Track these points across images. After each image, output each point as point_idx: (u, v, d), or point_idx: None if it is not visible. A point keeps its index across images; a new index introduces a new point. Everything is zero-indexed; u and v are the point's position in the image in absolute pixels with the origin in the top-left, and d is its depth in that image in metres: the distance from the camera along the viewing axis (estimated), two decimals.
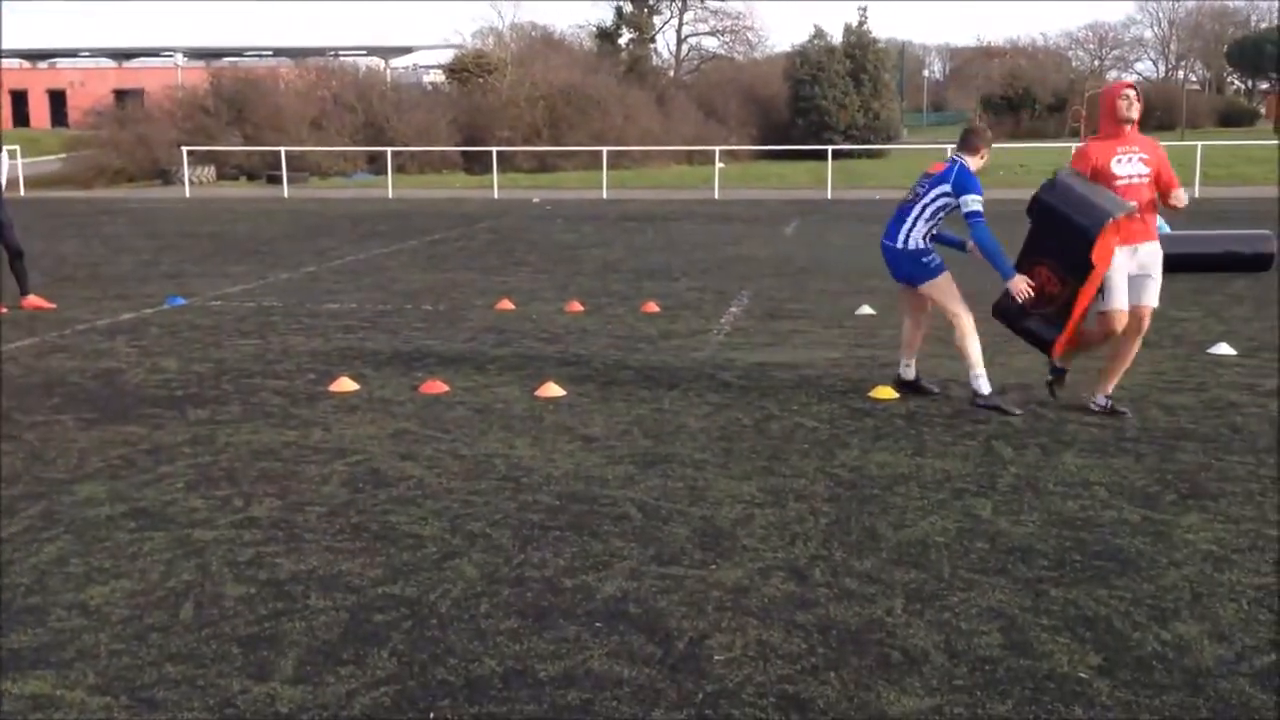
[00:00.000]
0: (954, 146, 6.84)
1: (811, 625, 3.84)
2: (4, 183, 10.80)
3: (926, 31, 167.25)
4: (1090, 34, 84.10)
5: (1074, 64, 76.08)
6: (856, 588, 4.15)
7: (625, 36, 58.01)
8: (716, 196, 28.17)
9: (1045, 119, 64.16)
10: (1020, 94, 65.52)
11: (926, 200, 6.65)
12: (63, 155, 34.41)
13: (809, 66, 46.96)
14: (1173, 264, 12.46)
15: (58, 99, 64.93)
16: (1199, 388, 7.22)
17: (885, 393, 7.03)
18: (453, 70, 45.77)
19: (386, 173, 31.52)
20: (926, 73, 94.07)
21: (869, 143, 43.87)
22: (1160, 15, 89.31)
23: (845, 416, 6.58)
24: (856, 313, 10.20)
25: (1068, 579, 4.23)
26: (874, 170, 35.44)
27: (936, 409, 6.72)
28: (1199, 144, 29.08)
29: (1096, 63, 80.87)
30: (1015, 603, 4.01)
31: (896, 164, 39.25)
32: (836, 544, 4.58)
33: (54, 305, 10.52)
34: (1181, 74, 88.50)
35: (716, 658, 3.62)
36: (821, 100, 46.08)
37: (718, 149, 32.78)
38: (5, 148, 11.23)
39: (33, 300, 10.54)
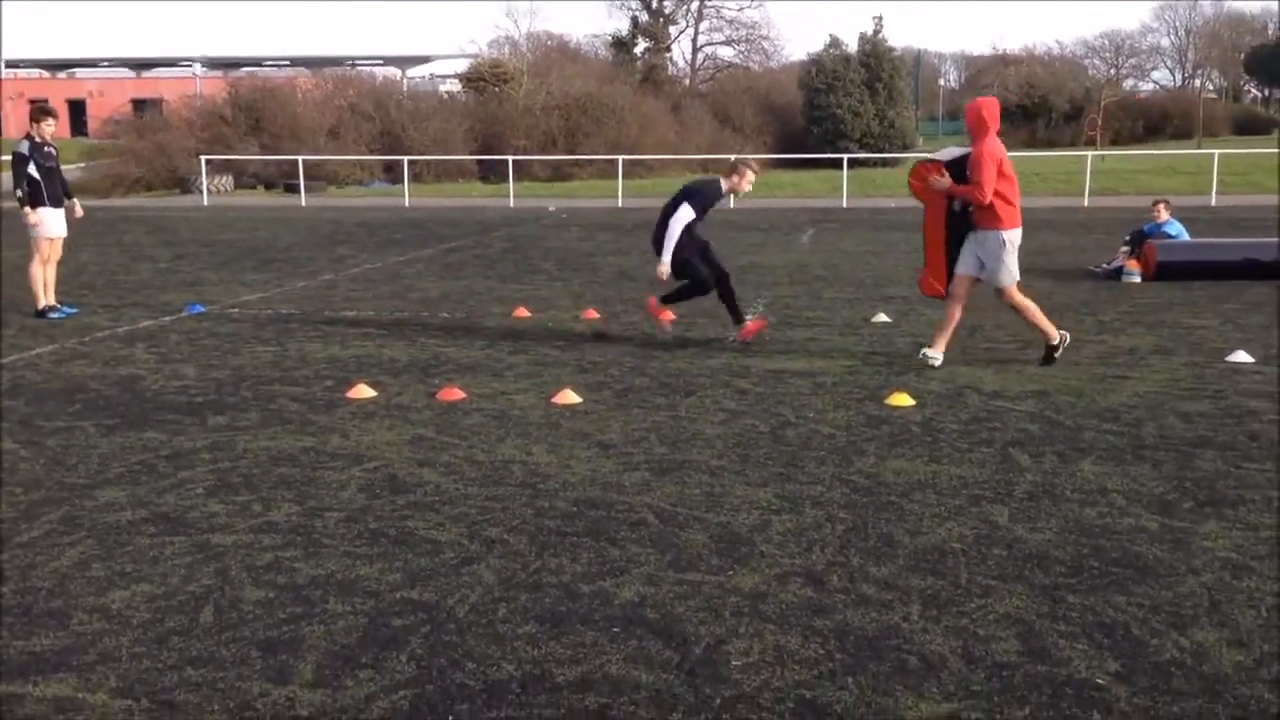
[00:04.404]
0: None
1: (829, 631, 3.85)
2: None
3: (943, 39, 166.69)
4: (1107, 42, 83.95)
5: (1090, 72, 75.82)
6: (873, 594, 4.15)
7: (641, 46, 58.20)
8: (731, 205, 28.18)
9: (1061, 128, 64.02)
10: (1037, 103, 65.40)
11: None
12: (81, 164, 34.63)
13: (824, 75, 46.95)
14: (1192, 270, 12.51)
15: (77, 108, 65.46)
16: (1216, 395, 7.19)
17: (901, 400, 7.03)
18: (469, 79, 45.95)
19: (403, 181, 31.69)
20: (942, 81, 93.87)
21: (884, 151, 43.86)
22: (1177, 23, 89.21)
23: (862, 424, 6.59)
24: (872, 320, 10.20)
25: (1085, 586, 4.22)
26: (889, 179, 35.40)
27: (953, 416, 6.72)
28: (1215, 152, 29.09)
29: (1113, 71, 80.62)
30: (1033, 609, 4.01)
31: None
32: (853, 550, 4.58)
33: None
34: (1198, 82, 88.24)
35: (734, 663, 3.62)
36: (837, 109, 46.09)
37: (733, 158, 32.84)
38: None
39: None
